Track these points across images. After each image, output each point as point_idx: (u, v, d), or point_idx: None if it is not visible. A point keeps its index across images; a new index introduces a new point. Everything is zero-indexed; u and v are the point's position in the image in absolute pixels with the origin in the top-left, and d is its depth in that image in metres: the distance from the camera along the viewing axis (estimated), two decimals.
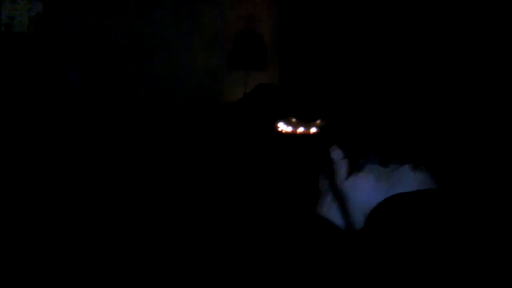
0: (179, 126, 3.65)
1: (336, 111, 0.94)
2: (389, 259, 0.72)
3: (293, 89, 3.92)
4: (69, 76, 3.50)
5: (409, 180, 0.78)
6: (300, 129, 3.77)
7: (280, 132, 3.85)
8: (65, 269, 2.41)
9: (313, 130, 3.70)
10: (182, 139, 3.71)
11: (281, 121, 3.83)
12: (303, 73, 3.82)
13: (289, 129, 3.79)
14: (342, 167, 0.84)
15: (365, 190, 0.80)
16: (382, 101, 0.90)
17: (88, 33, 3.57)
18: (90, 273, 2.41)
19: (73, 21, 3.52)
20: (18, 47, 3.34)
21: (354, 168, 0.82)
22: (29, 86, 3.35)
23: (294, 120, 3.83)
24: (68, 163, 3.27)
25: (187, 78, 3.91)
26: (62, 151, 3.36)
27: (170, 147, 3.64)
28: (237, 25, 3.99)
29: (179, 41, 3.88)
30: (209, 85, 3.97)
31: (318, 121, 3.80)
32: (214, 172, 3.47)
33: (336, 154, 0.85)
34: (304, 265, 0.81)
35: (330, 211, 0.86)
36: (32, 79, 3.36)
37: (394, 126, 0.84)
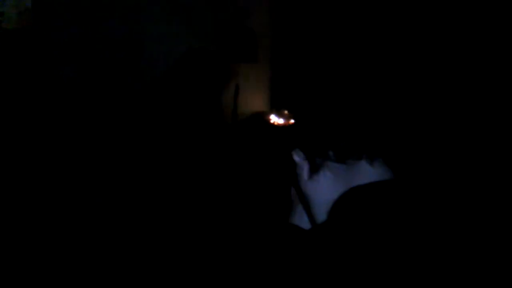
0: (173, 123, 3.66)
1: (301, 110, 0.96)
2: (350, 249, 0.74)
3: (282, 82, 3.94)
4: (61, 71, 3.48)
5: (366, 173, 0.80)
6: (290, 121, 3.81)
7: (271, 124, 3.89)
8: (65, 269, 2.43)
9: (292, 121, 3.74)
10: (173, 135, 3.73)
11: (272, 113, 3.86)
12: (294, 67, 3.84)
13: (280, 121, 3.84)
14: (303, 169, 0.86)
15: (325, 188, 0.82)
16: (339, 98, 0.91)
17: (79, 28, 3.53)
18: (90, 273, 2.43)
19: (63, 16, 3.48)
20: (8, 43, 3.30)
21: (315, 168, 0.84)
22: (20, 82, 3.32)
23: (285, 112, 3.87)
24: (63, 160, 3.27)
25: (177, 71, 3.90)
26: (56, 147, 3.35)
27: (162, 142, 3.65)
28: (228, 18, 3.98)
29: (171, 33, 3.86)
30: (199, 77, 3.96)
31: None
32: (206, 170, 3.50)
33: (297, 156, 0.87)
34: (274, 267, 0.83)
35: (301, 219, 0.88)
36: (23, 75, 3.32)
37: (350, 122, 0.85)
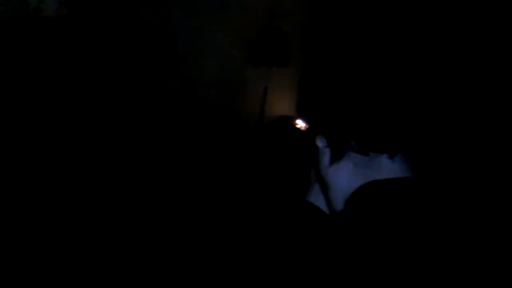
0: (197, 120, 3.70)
1: (326, 102, 0.98)
2: (364, 239, 0.75)
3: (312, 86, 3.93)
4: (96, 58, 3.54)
5: (387, 168, 0.82)
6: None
7: (298, 129, 3.87)
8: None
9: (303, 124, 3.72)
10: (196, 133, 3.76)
11: (299, 118, 3.85)
12: (324, 71, 3.81)
13: (308, 126, 3.81)
14: (325, 155, 0.88)
15: (345, 176, 0.84)
16: (364, 92, 0.92)
17: (115, 19, 3.60)
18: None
19: (101, 6, 3.56)
20: (47, 30, 3.38)
21: (336, 156, 0.86)
22: (56, 68, 3.39)
23: (305, 119, 3.85)
24: (92, 150, 3.32)
25: (209, 70, 3.94)
26: (84, 134, 3.41)
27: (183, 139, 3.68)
28: (262, 20, 3.99)
29: (203, 33, 3.89)
30: (231, 79, 4.00)
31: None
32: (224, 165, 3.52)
33: (320, 142, 0.89)
34: (292, 249, 0.85)
35: (317, 198, 0.91)
36: (59, 62, 3.40)
37: (375, 115, 0.87)
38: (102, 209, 2.95)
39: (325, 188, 0.89)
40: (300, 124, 3.85)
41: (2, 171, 2.93)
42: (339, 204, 0.84)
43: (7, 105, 3.14)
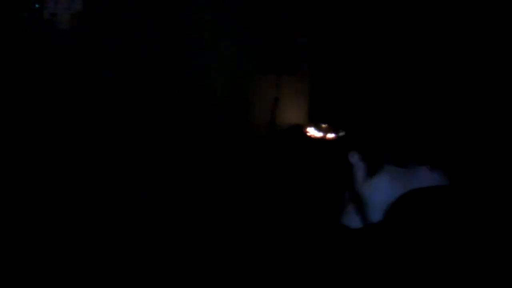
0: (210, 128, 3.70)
1: (355, 115, 0.96)
2: (406, 251, 0.73)
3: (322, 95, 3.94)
4: (103, 71, 3.55)
5: (425, 180, 0.80)
6: (331, 135, 3.79)
7: (309, 137, 3.88)
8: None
9: (330, 135, 3.73)
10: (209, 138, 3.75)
11: (311, 126, 3.86)
12: (334, 78, 3.84)
13: (319, 134, 3.82)
14: (359, 170, 0.86)
15: (382, 190, 0.82)
16: (398, 104, 0.91)
17: (124, 31, 3.61)
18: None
19: (110, 19, 3.57)
20: (59, 42, 3.40)
21: (372, 171, 0.84)
22: (67, 77, 3.40)
23: (323, 125, 3.86)
24: (101, 152, 3.31)
25: (218, 79, 3.95)
26: (94, 141, 3.40)
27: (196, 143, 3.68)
28: (271, 29, 4.01)
29: (212, 42, 3.91)
30: (241, 88, 4.01)
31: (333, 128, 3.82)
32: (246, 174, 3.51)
33: (354, 157, 0.87)
34: (322, 267, 0.83)
35: (351, 219, 0.88)
36: (71, 71, 3.41)
37: (411, 129, 0.86)
38: (115, 216, 2.93)
39: (361, 205, 0.87)
40: (312, 132, 3.85)
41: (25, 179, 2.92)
42: (376, 220, 0.82)
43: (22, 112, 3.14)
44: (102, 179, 3.23)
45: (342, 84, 3.85)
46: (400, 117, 0.85)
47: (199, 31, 3.88)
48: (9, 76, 3.14)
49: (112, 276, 2.46)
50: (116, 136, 3.51)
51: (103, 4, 3.53)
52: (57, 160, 3.17)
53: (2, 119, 3.08)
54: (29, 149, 3.12)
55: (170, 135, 3.71)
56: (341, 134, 3.71)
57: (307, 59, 4.00)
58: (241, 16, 3.96)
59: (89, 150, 3.33)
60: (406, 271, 0.69)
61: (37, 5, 3.40)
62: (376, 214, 0.80)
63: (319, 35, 4.04)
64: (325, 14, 4.02)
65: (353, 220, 0.85)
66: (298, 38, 3.97)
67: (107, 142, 3.43)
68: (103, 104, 3.52)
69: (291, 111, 4.03)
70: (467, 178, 0.81)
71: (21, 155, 3.06)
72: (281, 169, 3.65)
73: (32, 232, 2.63)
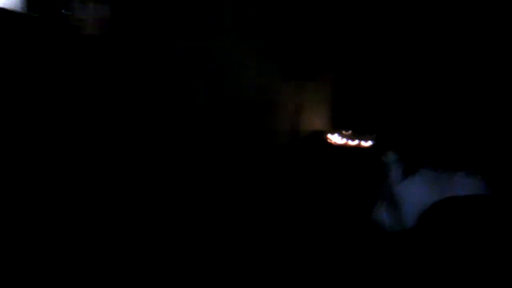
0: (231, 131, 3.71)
1: (390, 119, 0.97)
2: (440, 257, 0.73)
3: (346, 101, 3.95)
4: (132, 76, 3.58)
5: (463, 185, 0.80)
6: (353, 142, 3.79)
7: (331, 144, 3.88)
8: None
9: (367, 143, 3.73)
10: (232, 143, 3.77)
11: (333, 133, 3.86)
12: (357, 84, 3.84)
13: (342, 141, 3.82)
14: (396, 170, 0.86)
15: (420, 192, 0.83)
16: (437, 108, 0.91)
17: (151, 37, 3.64)
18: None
19: (138, 25, 3.60)
20: (87, 47, 3.42)
21: (409, 172, 0.85)
22: (95, 84, 3.43)
23: (345, 132, 3.86)
24: (125, 159, 3.34)
25: (241, 86, 3.96)
26: (119, 147, 3.43)
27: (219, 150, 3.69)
28: (291, 35, 4.02)
29: (235, 49, 3.92)
30: (262, 94, 4.01)
31: (369, 135, 3.82)
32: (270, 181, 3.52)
33: (390, 157, 0.87)
34: (357, 266, 0.84)
35: (383, 216, 0.89)
36: (98, 78, 3.44)
37: (450, 133, 0.86)
38: (142, 217, 2.96)
39: (394, 204, 0.88)
40: (335, 139, 3.85)
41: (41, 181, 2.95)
42: (410, 221, 0.83)
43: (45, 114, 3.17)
44: (130, 181, 3.26)
45: (365, 89, 3.85)
46: (438, 121, 0.85)
47: (222, 38, 3.90)
48: (37, 81, 3.18)
49: (117, 276, 2.47)
50: (142, 141, 3.54)
51: (130, 10, 3.56)
52: (87, 165, 3.20)
53: (31, 123, 3.12)
54: (59, 153, 3.15)
55: (194, 140, 3.73)
56: (369, 138, 3.71)
57: (330, 66, 4.00)
58: (264, 23, 3.97)
59: (118, 153, 3.36)
60: (437, 279, 0.70)
61: (63, 11, 3.42)
62: (409, 215, 0.82)
63: (342, 41, 4.04)
64: (348, 19, 4.02)
65: (384, 218, 0.87)
66: (321, 44, 3.98)
67: (135, 146, 3.46)
68: (131, 109, 3.55)
69: (313, 118, 4.04)
70: (506, 186, 0.81)
71: (43, 158, 3.10)
72: (303, 176, 3.66)
73: (38, 231, 2.66)
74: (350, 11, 4.00)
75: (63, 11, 3.42)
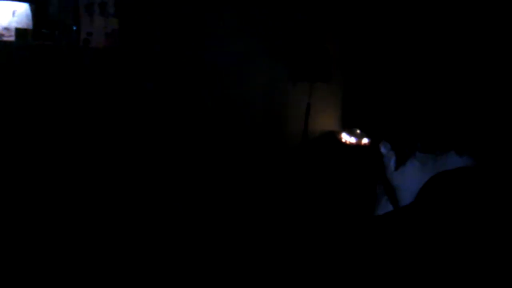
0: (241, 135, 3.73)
1: (384, 109, 0.98)
2: (437, 230, 0.74)
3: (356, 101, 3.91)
4: (144, 86, 3.65)
5: (454, 164, 0.81)
6: (362, 141, 3.77)
7: (343, 143, 3.86)
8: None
9: (365, 141, 3.70)
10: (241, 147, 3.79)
11: (344, 132, 3.84)
12: (366, 84, 3.80)
13: (352, 140, 3.80)
14: (390, 160, 0.88)
15: (414, 176, 0.84)
16: (427, 94, 0.93)
17: (159, 48, 3.70)
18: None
19: (145, 36, 3.67)
20: (95, 60, 3.51)
21: (402, 159, 0.86)
22: (104, 96, 3.50)
23: (357, 131, 3.84)
24: (131, 162, 3.40)
25: (251, 88, 3.98)
26: (130, 153, 3.50)
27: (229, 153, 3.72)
28: (301, 36, 4.03)
29: (244, 52, 3.95)
30: (273, 96, 4.03)
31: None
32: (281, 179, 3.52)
33: (384, 147, 0.89)
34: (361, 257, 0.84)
35: (386, 210, 0.90)
36: (108, 90, 3.51)
37: (438, 117, 0.87)
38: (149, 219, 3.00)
39: (393, 195, 0.89)
40: (346, 138, 3.84)
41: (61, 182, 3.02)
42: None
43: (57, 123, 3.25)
44: (137, 184, 3.31)
45: (374, 88, 3.82)
46: (428, 107, 0.86)
47: (231, 42, 3.94)
48: (50, 93, 3.27)
49: (122, 276, 2.49)
50: (152, 145, 3.59)
51: (138, 22, 3.63)
52: (98, 168, 3.27)
53: (39, 133, 3.21)
54: (67, 159, 3.23)
55: (204, 143, 3.77)
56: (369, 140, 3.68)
57: (339, 66, 3.99)
58: (272, 24, 3.99)
59: (125, 158, 3.42)
60: (436, 251, 0.70)
61: (74, 27, 3.52)
62: (406, 199, 0.83)
63: (350, 41, 4.03)
64: (356, 20, 4.01)
65: (386, 210, 0.88)
66: (330, 44, 3.97)
67: (144, 152, 3.52)
68: (140, 119, 3.61)
69: (324, 118, 4.03)
70: (492, 159, 0.82)
71: (48, 164, 3.18)
72: (315, 176, 3.65)
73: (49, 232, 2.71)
74: (359, 13, 3.99)
75: (74, 27, 3.52)
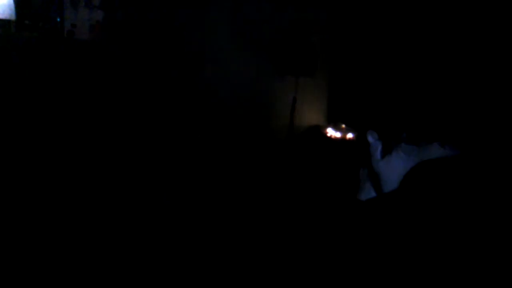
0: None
1: (370, 102, 1.01)
2: (420, 215, 0.78)
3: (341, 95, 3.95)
4: (122, 79, 3.61)
5: (436, 154, 0.85)
6: (347, 135, 3.79)
7: (329, 137, 3.89)
8: (65, 269, 2.43)
9: (350, 135, 3.73)
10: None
11: (330, 126, 3.86)
12: (351, 80, 3.84)
13: (338, 134, 3.83)
14: (376, 149, 0.91)
15: (398, 166, 0.87)
16: (413, 86, 0.95)
17: (144, 40, 3.67)
18: (90, 273, 2.43)
19: (130, 29, 3.63)
20: (79, 52, 3.47)
21: (388, 148, 0.90)
22: (88, 87, 3.47)
23: (342, 125, 3.86)
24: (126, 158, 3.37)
25: (237, 82, 3.98)
26: (119, 150, 3.46)
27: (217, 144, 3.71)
28: (287, 31, 4.03)
29: (230, 46, 3.94)
30: (259, 90, 4.03)
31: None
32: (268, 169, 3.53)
33: (371, 137, 0.92)
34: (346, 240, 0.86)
35: (368, 195, 0.93)
36: (90, 82, 3.47)
37: (424, 108, 0.90)
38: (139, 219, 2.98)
39: (378, 181, 0.92)
40: (331, 132, 3.86)
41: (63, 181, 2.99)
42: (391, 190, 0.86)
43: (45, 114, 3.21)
44: (119, 180, 3.28)
45: (360, 82, 3.85)
46: (413, 100, 0.89)
47: (216, 35, 3.92)
48: (33, 86, 3.22)
49: (117, 275, 2.48)
50: (138, 140, 3.57)
51: (122, 14, 3.60)
52: (77, 164, 3.23)
53: (25, 124, 3.16)
54: (36, 150, 3.19)
55: (189, 137, 3.75)
56: (354, 135, 3.71)
57: (324, 60, 4.01)
58: (258, 19, 3.99)
59: (115, 153, 3.39)
60: (420, 235, 0.72)
61: (58, 19, 3.47)
62: (389, 186, 0.85)
63: (336, 36, 4.05)
64: (341, 15, 4.03)
65: (370, 196, 0.91)
66: (314, 39, 3.99)
67: (127, 146, 3.49)
68: (123, 110, 3.58)
69: (309, 112, 4.05)
70: (473, 150, 0.85)
71: (35, 157, 3.14)
72: (301, 170, 3.66)
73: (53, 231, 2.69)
74: (343, 8, 4.01)
75: (57, 19, 3.47)
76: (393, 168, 0.90)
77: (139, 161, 3.46)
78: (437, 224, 0.74)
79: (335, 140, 3.81)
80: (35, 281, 2.34)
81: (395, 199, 0.81)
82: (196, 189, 3.44)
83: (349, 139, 3.78)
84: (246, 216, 3.19)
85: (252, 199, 3.37)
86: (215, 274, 2.55)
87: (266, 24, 3.96)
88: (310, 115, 4.05)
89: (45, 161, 3.16)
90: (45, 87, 3.29)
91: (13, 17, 3.18)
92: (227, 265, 2.61)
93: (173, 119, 3.72)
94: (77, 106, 3.42)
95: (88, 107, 3.45)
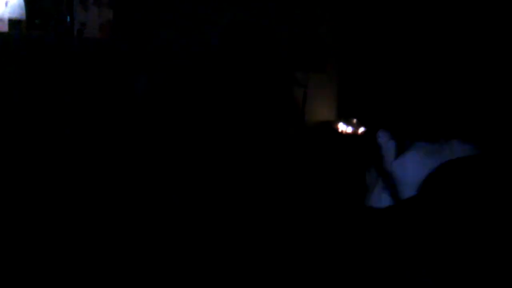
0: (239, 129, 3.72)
1: (382, 97, 0.96)
2: (444, 222, 0.72)
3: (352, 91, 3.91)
4: (135, 80, 3.62)
5: (457, 153, 0.78)
6: (359, 130, 3.76)
7: (340, 133, 3.85)
8: (65, 269, 2.43)
9: (361, 130, 3.70)
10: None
11: (341, 122, 3.83)
12: (363, 74, 3.80)
13: (349, 130, 3.79)
14: (389, 149, 0.85)
15: (415, 166, 0.81)
16: (427, 83, 0.91)
17: (153, 40, 3.68)
18: (90, 273, 2.43)
19: (140, 27, 3.64)
20: (89, 51, 3.48)
21: (402, 148, 0.83)
22: (97, 87, 3.48)
23: (354, 120, 3.83)
24: (126, 160, 3.38)
25: (246, 78, 3.96)
26: (121, 153, 3.47)
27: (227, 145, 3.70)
28: (296, 27, 4.01)
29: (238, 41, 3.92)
30: (269, 86, 4.01)
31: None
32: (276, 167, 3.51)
33: (382, 136, 0.86)
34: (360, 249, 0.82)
35: (379, 200, 0.87)
36: (100, 81, 3.49)
37: (441, 104, 0.85)
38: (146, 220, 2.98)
39: (392, 184, 0.86)
40: (343, 128, 3.83)
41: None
42: (409, 195, 0.81)
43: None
44: (129, 178, 3.29)
45: (371, 77, 3.81)
46: (430, 94, 0.85)
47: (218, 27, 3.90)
48: (44, 85, 3.24)
49: (117, 275, 2.48)
50: (148, 137, 3.57)
51: (133, 14, 3.60)
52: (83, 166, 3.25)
53: (32, 124, 3.18)
54: (59, 152, 3.21)
55: (201, 133, 3.75)
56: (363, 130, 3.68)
57: (335, 56, 3.98)
58: (267, 14, 3.97)
59: (118, 152, 3.40)
60: (445, 244, 0.68)
61: (68, 18, 3.49)
62: (409, 191, 0.80)
63: (346, 31, 4.01)
64: (352, 10, 3.99)
65: (382, 201, 0.85)
66: (324, 34, 3.96)
67: (137, 143, 3.50)
68: (132, 109, 3.59)
69: (320, 108, 4.02)
70: (496, 147, 0.80)
71: (47, 154, 3.16)
72: (312, 166, 3.64)
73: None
74: (354, 2, 3.98)
75: (67, 18, 3.49)
76: (411, 170, 0.84)
77: (149, 158, 3.47)
78: (467, 236, 0.69)
79: (346, 135, 3.78)
80: (35, 281, 2.36)
81: (418, 206, 0.76)
82: (204, 186, 3.44)
83: (361, 135, 3.75)
84: (253, 217, 3.18)
85: (261, 198, 3.36)
86: (223, 272, 2.55)
87: (276, 20, 3.94)
88: (320, 111, 4.02)
89: (57, 159, 3.19)
90: (56, 86, 3.30)
91: (23, 17, 3.20)
92: (233, 265, 2.60)
93: (183, 116, 3.72)
94: (88, 104, 3.44)
95: (98, 106, 3.47)
